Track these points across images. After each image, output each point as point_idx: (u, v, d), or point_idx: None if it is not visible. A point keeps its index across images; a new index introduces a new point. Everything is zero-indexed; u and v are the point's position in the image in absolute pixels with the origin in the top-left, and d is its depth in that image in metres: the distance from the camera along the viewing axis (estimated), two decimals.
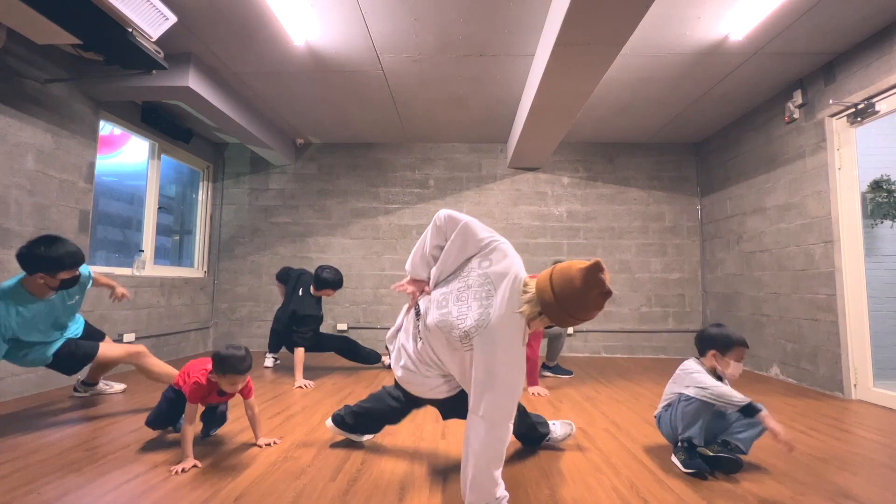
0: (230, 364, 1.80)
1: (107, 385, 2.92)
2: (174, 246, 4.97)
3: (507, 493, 1.38)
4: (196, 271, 4.90)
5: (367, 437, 2.10)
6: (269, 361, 4.09)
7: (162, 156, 4.32)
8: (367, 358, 3.90)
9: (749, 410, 1.71)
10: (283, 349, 4.24)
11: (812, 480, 1.73)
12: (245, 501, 1.50)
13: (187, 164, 4.81)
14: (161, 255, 4.48)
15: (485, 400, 1.31)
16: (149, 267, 4.13)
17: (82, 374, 2.86)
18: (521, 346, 1.34)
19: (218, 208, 5.14)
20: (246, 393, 1.99)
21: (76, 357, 2.35)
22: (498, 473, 1.34)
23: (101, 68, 3.12)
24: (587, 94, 3.16)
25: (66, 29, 2.41)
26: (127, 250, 4.16)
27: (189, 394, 1.85)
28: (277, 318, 3.90)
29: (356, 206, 5.10)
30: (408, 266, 1.64)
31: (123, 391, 2.98)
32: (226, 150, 5.19)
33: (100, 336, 2.61)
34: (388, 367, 3.82)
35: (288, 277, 3.86)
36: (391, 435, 2.20)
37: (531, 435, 1.96)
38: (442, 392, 1.62)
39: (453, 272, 1.53)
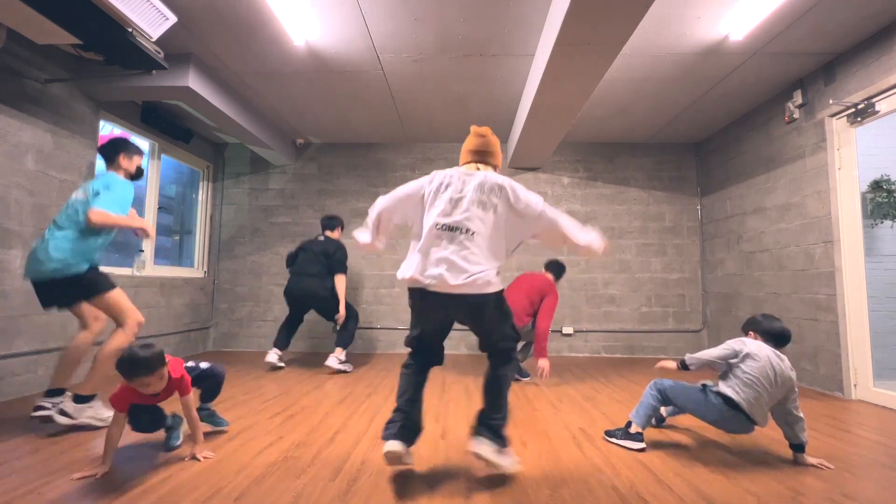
0: (127, 367, 1.65)
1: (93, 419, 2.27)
2: (174, 246, 4.98)
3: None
4: (196, 271, 4.90)
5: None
6: (271, 356, 3.84)
7: (162, 156, 4.32)
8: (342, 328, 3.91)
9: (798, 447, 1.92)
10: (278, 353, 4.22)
11: (812, 480, 1.73)
12: (245, 501, 1.50)
13: (187, 164, 4.81)
14: (161, 255, 4.48)
15: (534, 201, 1.72)
16: (149, 267, 4.13)
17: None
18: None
19: (218, 208, 5.14)
20: (181, 390, 1.83)
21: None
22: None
23: (101, 68, 3.12)
24: (587, 94, 3.17)
25: (66, 29, 2.41)
26: (127, 250, 4.16)
27: (112, 400, 1.73)
28: (291, 289, 3.85)
29: (356, 206, 5.10)
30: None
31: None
32: (226, 150, 5.20)
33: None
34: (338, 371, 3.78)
35: (293, 257, 3.98)
36: None
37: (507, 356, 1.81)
38: (493, 285, 1.66)
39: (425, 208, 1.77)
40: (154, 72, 3.13)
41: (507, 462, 1.70)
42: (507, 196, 1.69)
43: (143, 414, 1.82)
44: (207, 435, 2.11)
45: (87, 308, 2.29)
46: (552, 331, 4.83)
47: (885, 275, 3.69)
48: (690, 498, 1.57)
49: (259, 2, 2.67)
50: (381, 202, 1.84)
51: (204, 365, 2.09)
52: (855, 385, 3.04)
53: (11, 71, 2.79)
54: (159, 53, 2.72)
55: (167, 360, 1.81)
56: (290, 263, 3.98)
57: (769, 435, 2.27)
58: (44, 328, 2.98)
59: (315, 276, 3.84)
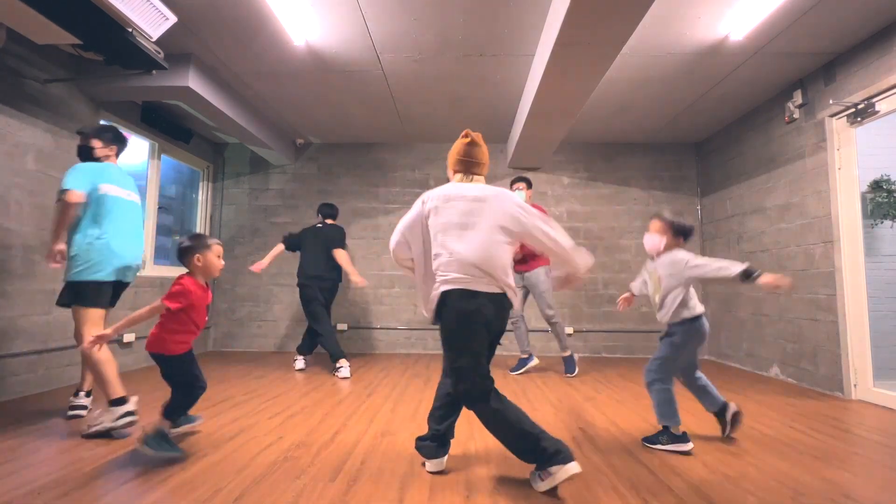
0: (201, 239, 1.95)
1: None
2: (174, 246, 4.98)
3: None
4: None
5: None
6: (300, 363, 3.89)
7: (162, 156, 4.32)
8: (328, 346, 3.77)
9: (747, 275, 1.86)
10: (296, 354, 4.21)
11: (812, 480, 1.73)
12: (245, 501, 1.50)
13: (187, 164, 4.81)
14: (161, 255, 4.48)
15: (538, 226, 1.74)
16: (149, 267, 4.13)
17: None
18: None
19: (218, 208, 5.14)
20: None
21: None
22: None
23: (101, 68, 3.12)
24: (587, 94, 3.17)
25: (66, 29, 2.41)
26: None
27: (175, 292, 1.85)
28: (305, 281, 3.84)
29: (356, 206, 5.10)
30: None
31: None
32: (226, 150, 5.20)
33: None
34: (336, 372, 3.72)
35: (297, 240, 3.99)
36: (391, 435, 2.20)
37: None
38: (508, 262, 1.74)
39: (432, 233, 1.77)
40: (154, 72, 3.13)
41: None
42: (511, 227, 1.72)
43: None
44: (192, 434, 2.09)
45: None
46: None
47: (885, 275, 3.69)
48: (690, 498, 1.57)
49: (259, 2, 2.67)
50: (394, 244, 1.85)
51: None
52: (855, 385, 3.04)
53: (11, 71, 2.79)
54: (159, 53, 2.72)
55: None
56: (292, 248, 4.01)
57: (770, 435, 2.27)
58: (44, 328, 2.98)
59: (327, 277, 3.91)
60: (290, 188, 5.15)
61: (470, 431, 2.27)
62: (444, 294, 1.67)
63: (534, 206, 3.91)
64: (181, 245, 1.91)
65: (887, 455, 2.01)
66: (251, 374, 3.68)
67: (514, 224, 1.71)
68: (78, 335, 2.23)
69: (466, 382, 1.61)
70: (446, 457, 1.81)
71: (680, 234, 2.11)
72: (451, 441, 1.86)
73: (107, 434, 2.09)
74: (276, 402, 2.78)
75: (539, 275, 3.69)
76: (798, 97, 3.46)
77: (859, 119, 3.00)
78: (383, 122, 4.56)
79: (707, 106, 4.04)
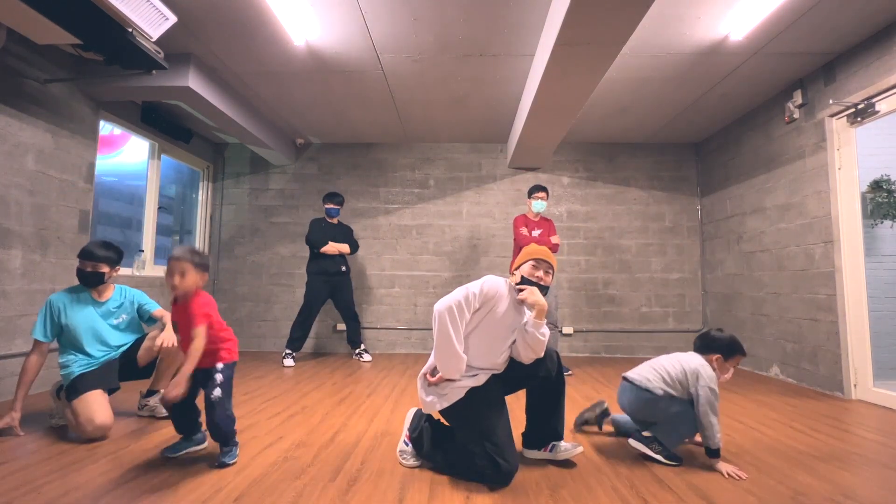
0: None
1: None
2: (174, 246, 4.98)
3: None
4: None
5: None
6: (289, 361, 4.11)
7: (162, 156, 4.32)
8: (352, 333, 4.43)
9: (713, 452, 1.82)
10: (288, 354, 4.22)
11: (812, 480, 1.73)
12: (245, 501, 1.50)
13: (187, 164, 4.81)
14: (161, 255, 4.48)
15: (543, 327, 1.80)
16: (149, 267, 4.13)
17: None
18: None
19: (218, 208, 5.14)
20: (197, 310, 1.75)
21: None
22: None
23: (101, 68, 3.12)
24: (587, 94, 3.16)
25: (66, 29, 2.41)
26: (127, 250, 4.15)
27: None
28: (314, 277, 4.25)
29: (356, 206, 5.10)
30: (448, 370, 1.75)
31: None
32: (226, 150, 5.20)
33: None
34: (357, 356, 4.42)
35: (313, 237, 4.25)
36: (391, 435, 2.20)
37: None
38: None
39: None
40: (154, 72, 3.13)
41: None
42: None
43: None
44: (192, 464, 1.82)
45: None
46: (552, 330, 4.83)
47: (885, 275, 3.69)
48: (690, 498, 1.57)
49: (259, 2, 2.67)
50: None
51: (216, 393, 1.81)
52: (855, 385, 3.04)
53: (11, 71, 2.79)
54: (159, 53, 2.71)
55: (199, 283, 1.80)
56: (316, 246, 4.24)
57: (769, 435, 2.27)
58: None
59: (344, 273, 4.35)
60: (290, 188, 5.15)
61: None
62: None
63: (543, 219, 3.93)
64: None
65: (887, 455, 2.01)
66: (251, 374, 3.68)
67: None
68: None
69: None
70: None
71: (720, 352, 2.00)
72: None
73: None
74: (276, 402, 2.78)
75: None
76: (798, 97, 3.46)
77: (859, 119, 3.00)
78: (383, 122, 4.56)
79: (707, 106, 4.04)
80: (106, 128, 3.73)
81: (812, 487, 1.67)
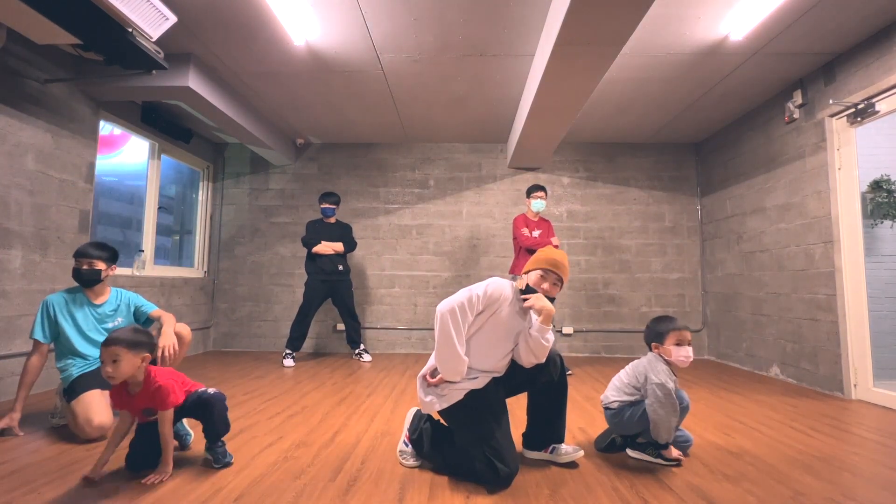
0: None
1: None
2: (174, 246, 4.98)
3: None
4: (196, 271, 4.90)
5: None
6: (288, 361, 4.11)
7: (162, 156, 4.32)
8: (352, 332, 4.39)
9: (660, 446, 1.86)
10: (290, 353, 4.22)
11: (812, 480, 1.73)
12: (245, 501, 1.50)
13: (187, 164, 4.81)
14: (161, 255, 4.48)
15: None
16: (149, 267, 4.13)
17: None
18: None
19: (218, 208, 5.14)
20: (159, 399, 1.63)
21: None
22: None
23: (101, 68, 3.12)
24: (587, 94, 3.17)
25: (66, 29, 2.41)
26: (127, 250, 4.16)
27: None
28: (317, 287, 4.24)
29: (356, 206, 5.10)
30: (449, 372, 1.73)
31: None
32: (226, 150, 5.20)
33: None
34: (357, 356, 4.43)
35: (305, 238, 4.26)
36: (391, 435, 2.20)
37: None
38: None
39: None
40: (154, 72, 3.13)
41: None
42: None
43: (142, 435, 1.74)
44: (192, 464, 1.83)
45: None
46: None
47: (885, 275, 3.69)
48: (690, 498, 1.57)
49: (259, 2, 2.67)
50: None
51: (212, 391, 1.82)
52: (855, 385, 3.04)
53: (11, 71, 2.79)
54: (159, 53, 2.72)
55: (148, 358, 1.66)
56: (308, 246, 4.25)
57: (769, 435, 2.27)
58: None
59: (342, 272, 4.31)
60: (290, 188, 5.15)
61: None
62: None
63: (541, 220, 3.93)
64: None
65: (887, 455, 2.01)
66: (251, 374, 3.68)
67: None
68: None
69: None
70: None
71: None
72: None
73: None
74: (276, 402, 2.78)
75: None
76: (798, 97, 3.46)
77: (859, 119, 3.00)
78: (383, 122, 4.56)
79: (707, 106, 4.04)
80: (106, 128, 3.74)
81: (812, 487, 1.67)
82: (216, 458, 1.78)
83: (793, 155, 3.59)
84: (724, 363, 4.48)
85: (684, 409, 1.95)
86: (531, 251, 3.71)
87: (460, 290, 1.80)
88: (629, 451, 1.96)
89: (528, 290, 1.79)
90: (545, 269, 1.80)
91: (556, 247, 3.78)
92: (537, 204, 3.89)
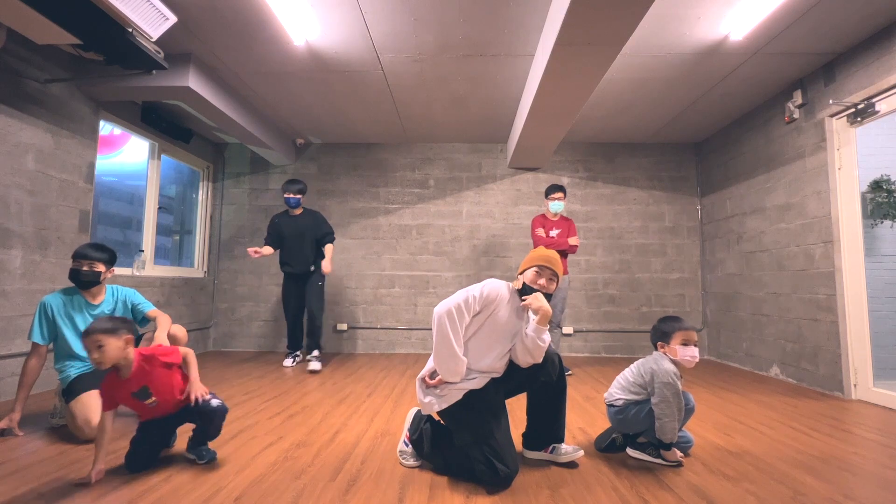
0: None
1: None
2: (174, 246, 4.98)
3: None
4: (196, 271, 4.90)
5: None
6: (288, 361, 4.09)
7: (162, 156, 4.32)
8: (307, 335, 4.07)
9: (663, 445, 1.85)
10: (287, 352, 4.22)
11: (812, 480, 1.73)
12: (245, 501, 1.50)
13: (187, 164, 4.81)
14: (161, 255, 4.48)
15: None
16: (149, 267, 4.13)
17: None
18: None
19: (218, 208, 5.14)
20: (161, 356, 1.72)
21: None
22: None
23: (101, 68, 3.12)
24: (587, 95, 3.16)
25: (66, 29, 2.41)
26: (127, 250, 4.16)
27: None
28: (290, 295, 4.07)
29: (356, 206, 5.10)
30: (448, 373, 1.74)
31: None
32: (226, 150, 5.19)
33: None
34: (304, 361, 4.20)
35: (270, 233, 4.04)
36: (391, 435, 2.20)
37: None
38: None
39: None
40: (154, 72, 3.13)
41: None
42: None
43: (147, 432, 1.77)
44: (192, 464, 1.82)
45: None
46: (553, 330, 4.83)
47: (885, 275, 3.69)
48: (690, 498, 1.57)
49: (259, 2, 2.67)
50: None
51: (216, 402, 1.79)
52: (855, 385, 3.04)
53: (11, 71, 2.79)
54: (159, 53, 2.72)
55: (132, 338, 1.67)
56: (274, 245, 4.03)
57: (769, 435, 2.27)
58: None
59: (312, 272, 4.05)
60: None
61: None
62: None
63: (562, 219, 3.89)
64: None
65: (887, 455, 2.01)
66: (251, 374, 3.68)
67: None
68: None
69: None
70: None
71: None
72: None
73: None
74: (276, 402, 2.78)
75: (563, 280, 3.72)
76: (798, 97, 3.46)
77: (859, 119, 3.00)
78: (383, 122, 4.56)
79: (707, 106, 4.04)
80: (106, 128, 3.73)
81: (812, 487, 1.67)
82: (200, 456, 1.81)
83: (793, 155, 3.58)
84: (724, 363, 4.48)
85: (689, 411, 1.95)
86: None
87: (457, 291, 1.80)
88: (629, 451, 1.96)
89: (526, 289, 1.80)
90: (539, 266, 1.82)
91: (575, 246, 3.76)
92: (555, 206, 3.83)
